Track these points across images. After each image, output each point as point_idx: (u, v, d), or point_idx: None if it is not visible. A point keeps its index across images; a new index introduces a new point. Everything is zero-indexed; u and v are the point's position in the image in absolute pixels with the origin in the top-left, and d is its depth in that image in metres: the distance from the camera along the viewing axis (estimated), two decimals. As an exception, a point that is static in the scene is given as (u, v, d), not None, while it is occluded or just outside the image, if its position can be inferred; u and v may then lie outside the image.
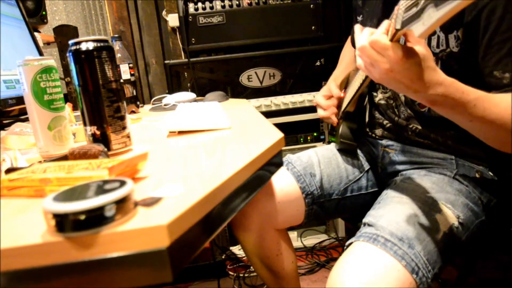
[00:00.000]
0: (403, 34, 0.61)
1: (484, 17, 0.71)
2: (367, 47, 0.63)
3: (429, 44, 0.81)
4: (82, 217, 0.34)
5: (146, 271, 0.36)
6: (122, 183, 0.38)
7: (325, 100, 1.06)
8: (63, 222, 0.34)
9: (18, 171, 0.52)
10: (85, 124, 0.67)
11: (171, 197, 0.42)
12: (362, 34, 0.65)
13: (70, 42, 0.64)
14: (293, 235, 1.90)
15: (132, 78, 1.28)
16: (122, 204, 0.36)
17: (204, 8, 1.62)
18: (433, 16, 0.50)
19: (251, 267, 1.71)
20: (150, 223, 0.36)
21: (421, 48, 0.61)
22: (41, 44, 1.30)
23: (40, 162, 0.63)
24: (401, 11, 0.56)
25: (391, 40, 0.60)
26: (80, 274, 0.35)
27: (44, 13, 1.45)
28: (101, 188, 0.37)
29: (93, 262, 0.35)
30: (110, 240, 0.35)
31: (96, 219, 0.35)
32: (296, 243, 1.87)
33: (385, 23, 0.62)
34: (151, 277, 0.36)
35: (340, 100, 1.08)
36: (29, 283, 0.35)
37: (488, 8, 0.70)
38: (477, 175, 0.87)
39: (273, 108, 1.67)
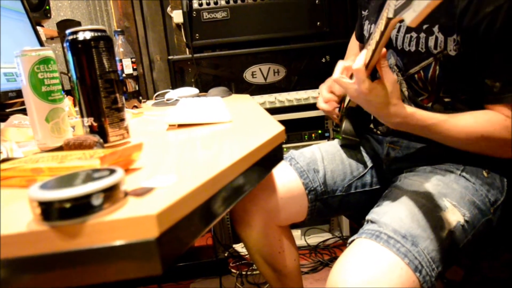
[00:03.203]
0: (378, 69, 0.72)
1: (483, 28, 0.72)
2: (338, 80, 0.78)
3: (426, 44, 0.81)
4: (68, 205, 0.33)
5: (134, 263, 0.35)
6: (112, 171, 0.37)
7: (327, 93, 1.05)
8: (48, 210, 0.33)
9: (11, 161, 0.51)
10: (82, 116, 0.66)
11: (163, 187, 0.40)
12: (336, 69, 0.78)
13: (67, 31, 0.63)
14: (297, 233, 1.88)
15: (135, 73, 1.27)
16: (110, 192, 0.35)
17: (208, 4, 1.61)
18: (422, 3, 0.52)
19: (254, 265, 1.70)
20: (139, 212, 0.34)
21: (388, 85, 0.72)
22: (44, 38, 1.30)
23: (36, 153, 0.62)
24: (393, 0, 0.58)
25: (368, 63, 0.70)
26: (66, 265, 0.34)
27: (47, 7, 1.44)
28: (90, 176, 0.36)
29: (80, 253, 0.34)
30: (97, 230, 0.34)
31: (82, 207, 0.33)
32: (300, 242, 1.86)
33: (364, 53, 0.72)
34: (139, 269, 0.35)
35: (342, 97, 1.06)
36: (14, 273, 0.34)
37: (488, 20, 0.71)
38: (484, 173, 0.85)
39: (278, 104, 1.65)
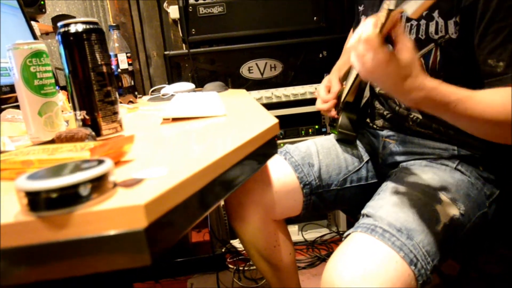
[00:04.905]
0: (393, 36, 0.63)
1: (481, 4, 0.70)
2: (356, 44, 0.64)
3: (427, 30, 0.80)
4: (55, 195, 0.32)
5: (123, 253, 0.34)
6: (100, 162, 0.36)
7: (326, 93, 1.04)
8: (35, 201, 0.33)
9: (2, 154, 0.51)
10: (74, 109, 0.65)
11: (153, 179, 0.40)
12: (356, 32, 0.65)
13: (59, 24, 0.62)
14: (294, 228, 1.88)
15: (130, 68, 1.26)
16: (98, 183, 0.34)
17: (204, -2, 1.60)
18: None
19: (251, 260, 1.70)
20: (127, 202, 0.34)
21: (407, 54, 0.62)
22: (38, 33, 1.29)
23: (27, 147, 0.62)
24: None
25: (381, 31, 0.61)
26: (53, 256, 0.34)
27: (42, 2, 1.43)
28: (78, 167, 0.36)
29: (67, 243, 0.33)
30: (85, 221, 0.33)
31: (70, 197, 0.33)
32: (297, 237, 1.86)
33: (373, 19, 0.62)
34: (128, 260, 0.34)
35: (339, 92, 1.06)
36: (1, 264, 0.34)
37: None
38: (479, 166, 0.85)
39: (274, 100, 1.65)
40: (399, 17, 0.62)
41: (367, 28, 0.62)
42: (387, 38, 0.65)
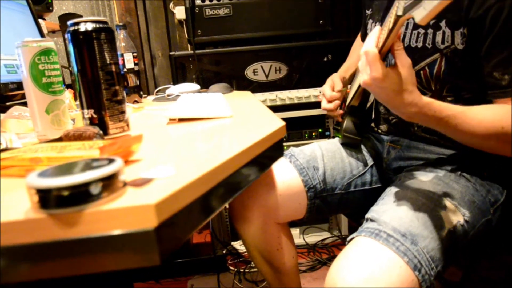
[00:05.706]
0: (392, 52, 0.67)
1: (490, 17, 0.71)
2: (361, 55, 0.68)
3: (434, 39, 0.80)
4: (66, 193, 0.32)
5: (132, 253, 0.34)
6: (111, 161, 0.36)
7: (331, 91, 1.04)
8: (46, 198, 0.33)
9: (10, 151, 0.51)
10: (82, 108, 0.65)
11: (162, 178, 0.40)
12: (368, 40, 0.68)
13: (69, 23, 0.63)
14: (295, 232, 1.88)
15: (136, 68, 1.26)
16: (109, 181, 0.34)
17: (211, 0, 1.60)
18: (434, 1, 0.51)
19: (252, 263, 1.70)
20: (137, 202, 0.34)
21: (404, 70, 0.65)
22: (45, 31, 1.29)
23: (35, 144, 0.62)
24: None
25: (381, 48, 0.64)
26: (63, 254, 0.34)
27: (49, 0, 1.44)
28: (89, 165, 0.36)
29: (77, 241, 0.33)
30: (95, 219, 0.33)
31: (80, 195, 0.33)
32: (299, 240, 1.86)
33: (376, 32, 0.67)
34: (137, 260, 0.34)
35: (344, 94, 1.06)
36: (11, 261, 0.34)
37: (495, 8, 0.70)
38: (484, 173, 0.85)
39: (278, 102, 1.65)
40: (400, 33, 0.66)
41: (370, 42, 0.65)
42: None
